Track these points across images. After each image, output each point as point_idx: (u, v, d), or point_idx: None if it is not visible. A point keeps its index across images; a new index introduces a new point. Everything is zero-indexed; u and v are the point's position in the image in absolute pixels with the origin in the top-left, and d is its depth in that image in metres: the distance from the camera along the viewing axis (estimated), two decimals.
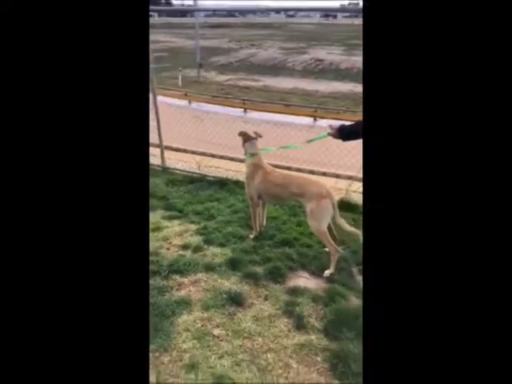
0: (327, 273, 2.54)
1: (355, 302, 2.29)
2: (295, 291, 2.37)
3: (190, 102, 13.09)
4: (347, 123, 2.27)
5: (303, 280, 2.52)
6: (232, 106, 12.41)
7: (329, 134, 2.34)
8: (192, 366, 1.76)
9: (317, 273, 2.58)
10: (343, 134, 2.23)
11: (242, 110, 12.23)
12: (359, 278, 2.53)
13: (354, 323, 2.06)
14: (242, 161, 4.86)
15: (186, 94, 13.44)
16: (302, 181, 2.61)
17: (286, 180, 2.67)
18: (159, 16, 58.96)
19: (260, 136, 2.82)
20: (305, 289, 2.39)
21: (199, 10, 15.34)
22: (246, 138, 2.79)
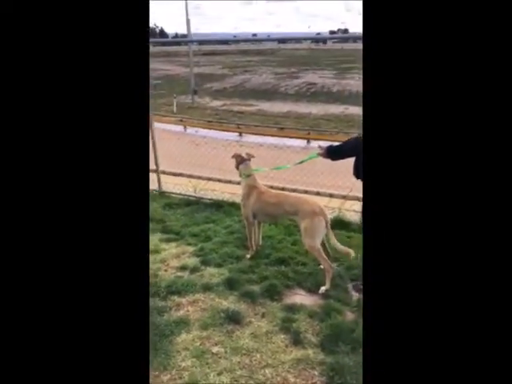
0: (323, 289, 2.59)
1: (350, 316, 2.34)
2: (292, 308, 2.41)
3: (185, 127, 13.34)
4: (335, 143, 2.39)
5: (299, 297, 2.57)
6: (227, 131, 12.65)
7: (318, 154, 2.46)
8: None
9: (313, 289, 2.64)
10: (331, 153, 2.35)
11: (237, 134, 12.47)
12: (354, 294, 2.59)
13: (349, 337, 2.11)
14: (237, 183, 4.97)
15: (181, 120, 13.71)
16: (296, 199, 2.71)
17: (279, 199, 2.76)
18: (154, 46, 60.54)
19: (252, 156, 2.94)
20: (301, 305, 2.44)
21: (191, 41, 15.86)
22: (240, 159, 2.90)
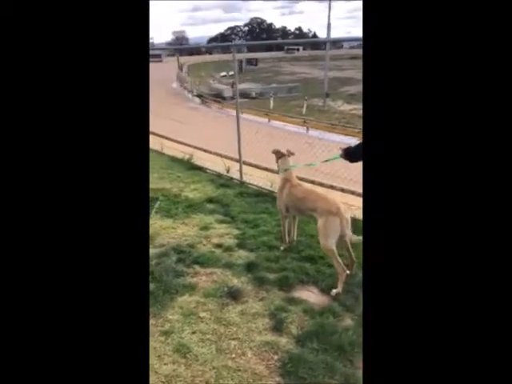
0: (334, 292, 2.56)
1: (345, 322, 2.29)
2: (293, 301, 2.48)
3: (307, 129, 13.65)
4: (354, 144, 2.34)
5: (308, 293, 2.61)
6: (348, 135, 12.45)
7: (340, 156, 2.44)
8: (166, 333, 2.11)
9: (326, 290, 2.63)
10: (348, 155, 2.31)
11: (357, 138, 12.15)
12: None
13: (327, 338, 2.10)
14: (310, 182, 5.05)
15: (304, 122, 14.07)
16: (316, 196, 2.72)
17: (304, 194, 2.82)
18: (304, 49, 62.47)
19: (292, 154, 3.05)
20: (303, 301, 2.49)
21: (331, 41, 16.00)
22: (280, 155, 3.05)
